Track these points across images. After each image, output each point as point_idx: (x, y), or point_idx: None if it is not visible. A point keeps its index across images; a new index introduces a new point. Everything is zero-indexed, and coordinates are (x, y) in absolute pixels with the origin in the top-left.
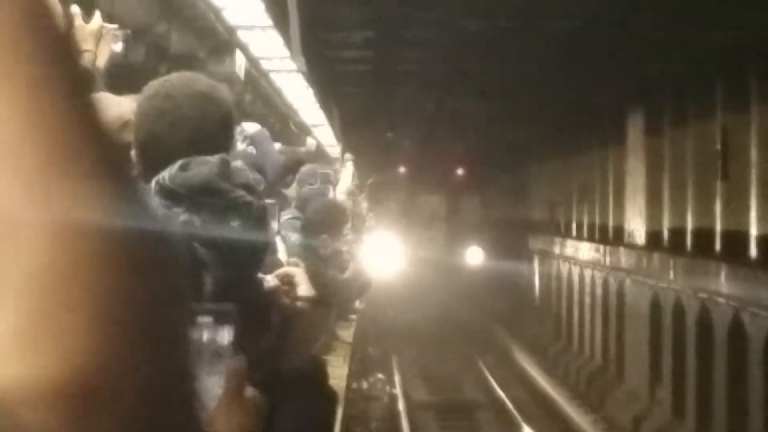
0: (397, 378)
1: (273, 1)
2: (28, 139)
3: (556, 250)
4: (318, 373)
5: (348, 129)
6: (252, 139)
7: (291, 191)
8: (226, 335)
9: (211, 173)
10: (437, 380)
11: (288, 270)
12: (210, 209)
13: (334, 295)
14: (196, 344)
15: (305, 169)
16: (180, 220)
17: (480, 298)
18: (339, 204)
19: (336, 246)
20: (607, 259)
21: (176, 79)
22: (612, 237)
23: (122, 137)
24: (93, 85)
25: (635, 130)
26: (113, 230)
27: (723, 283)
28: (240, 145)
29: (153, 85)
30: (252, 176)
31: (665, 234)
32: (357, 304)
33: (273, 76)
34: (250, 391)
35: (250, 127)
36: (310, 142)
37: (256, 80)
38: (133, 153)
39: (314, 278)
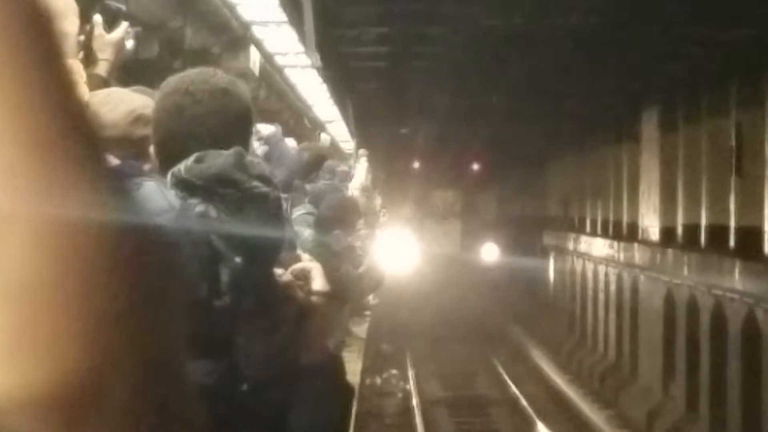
0: (410, 374)
1: None
2: (14, 139)
3: (571, 246)
4: (335, 368)
5: (362, 125)
6: (267, 140)
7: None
8: None
9: (226, 164)
10: (451, 376)
11: (304, 265)
12: (226, 200)
13: (347, 290)
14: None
15: (324, 164)
16: (196, 211)
17: (494, 295)
18: (352, 200)
19: (349, 241)
20: (621, 255)
21: (195, 74)
22: (626, 233)
23: (134, 132)
24: (82, 85)
25: (650, 126)
26: (99, 230)
27: (737, 279)
28: (256, 145)
29: (172, 81)
30: (267, 168)
31: (679, 230)
32: (370, 299)
33: (287, 71)
34: None
35: (265, 129)
36: (324, 139)
37: (271, 76)
38: (151, 148)
39: (327, 274)
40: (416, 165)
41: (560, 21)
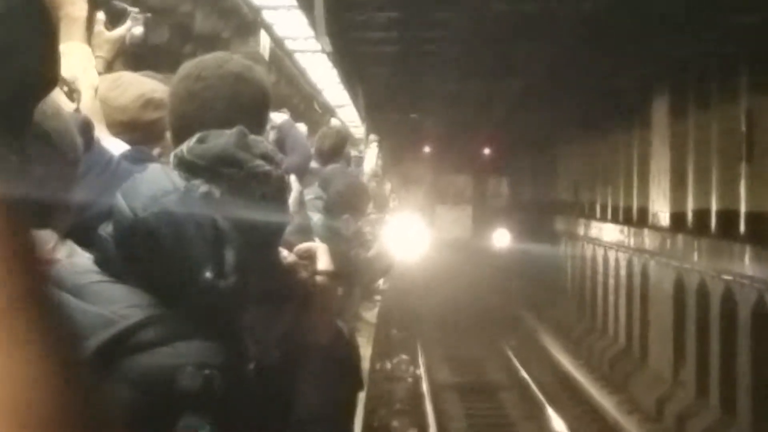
0: (421, 359)
1: None
2: None
3: (582, 231)
4: (348, 352)
5: (372, 109)
6: (280, 129)
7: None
8: None
9: (228, 143)
10: (461, 361)
11: (310, 245)
12: (229, 180)
13: (356, 275)
14: None
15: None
16: (199, 192)
17: (505, 281)
18: (361, 184)
19: (358, 226)
20: (632, 240)
21: (209, 59)
22: (636, 218)
23: (144, 115)
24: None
25: (660, 111)
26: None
27: (747, 264)
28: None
29: (186, 66)
30: (270, 147)
31: (689, 215)
32: (380, 284)
33: (297, 56)
34: None
35: (278, 117)
36: (334, 123)
37: (281, 60)
38: (167, 132)
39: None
40: (427, 150)
41: (571, 5)
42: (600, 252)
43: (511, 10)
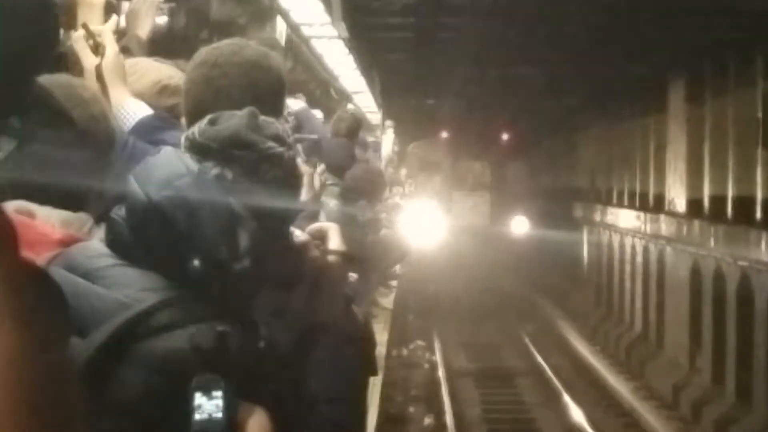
0: (437, 345)
1: None
2: None
3: (599, 218)
4: (361, 334)
5: (389, 96)
6: (297, 116)
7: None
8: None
9: (240, 125)
10: (477, 348)
11: (321, 225)
12: (241, 162)
13: (372, 261)
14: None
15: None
16: (212, 174)
17: (523, 269)
18: (377, 170)
19: (374, 212)
20: (648, 226)
21: (225, 46)
22: (653, 205)
23: (160, 101)
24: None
25: (676, 97)
26: None
27: (763, 251)
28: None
29: (202, 53)
30: (282, 128)
31: (706, 202)
32: (396, 270)
33: (314, 42)
34: None
35: (295, 104)
36: (350, 107)
37: (297, 46)
38: (182, 119)
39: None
40: (444, 136)
41: None
42: (617, 238)
43: None
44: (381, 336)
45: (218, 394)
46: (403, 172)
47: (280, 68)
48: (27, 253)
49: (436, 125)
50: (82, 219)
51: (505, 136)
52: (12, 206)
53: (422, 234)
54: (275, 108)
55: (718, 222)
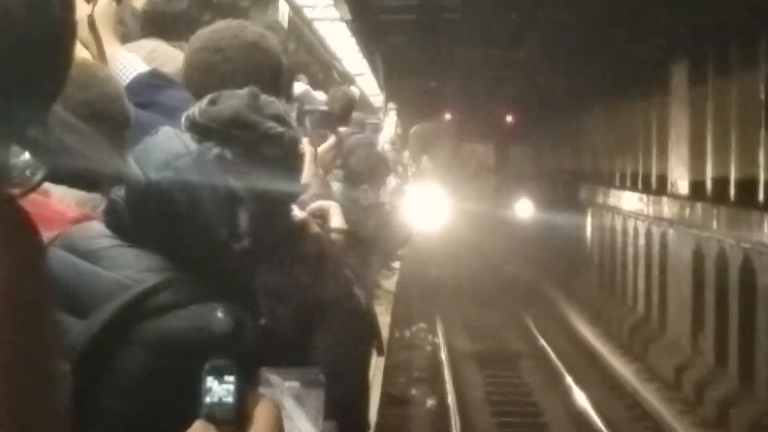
0: (439, 328)
1: None
2: None
3: (602, 200)
4: (364, 313)
5: (391, 78)
6: (299, 100)
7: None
8: (314, 401)
9: (241, 105)
10: (480, 330)
11: (322, 203)
12: (241, 142)
13: (375, 245)
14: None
15: (353, 117)
16: (212, 154)
17: (527, 252)
18: (382, 155)
19: (378, 196)
20: (650, 208)
21: (224, 29)
22: (655, 187)
23: None
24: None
25: (679, 79)
26: None
27: (766, 233)
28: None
29: (201, 36)
30: (283, 107)
31: (708, 184)
32: (399, 254)
33: (316, 24)
34: None
35: (297, 87)
36: (354, 91)
37: (300, 29)
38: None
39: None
40: (447, 118)
41: None
42: (619, 221)
43: None
44: (384, 318)
45: (230, 378)
46: (406, 154)
47: (278, 48)
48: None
49: (439, 107)
50: (96, 199)
51: (509, 119)
52: None
53: (425, 217)
54: (276, 88)
55: (720, 204)
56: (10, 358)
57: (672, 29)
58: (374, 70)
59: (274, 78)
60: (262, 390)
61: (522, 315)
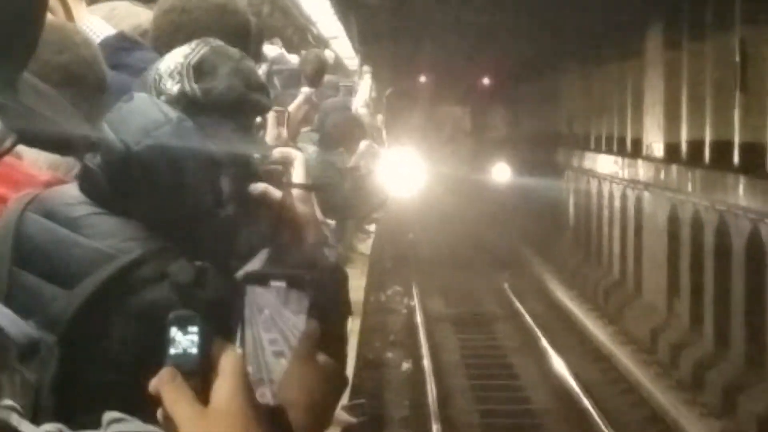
0: (415, 291)
1: None
2: None
3: (577, 163)
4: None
5: (366, 41)
6: (273, 62)
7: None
8: (297, 301)
9: (239, 84)
10: (456, 294)
11: (288, 152)
12: (234, 116)
13: (350, 208)
14: (270, 308)
15: (327, 80)
16: (192, 122)
17: (504, 216)
18: (357, 118)
19: (353, 159)
20: (626, 171)
21: None
22: (630, 150)
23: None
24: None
25: (654, 41)
26: None
27: (741, 195)
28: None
29: None
30: (259, 70)
31: (683, 146)
32: (374, 217)
33: None
34: (322, 358)
35: (271, 50)
36: (328, 55)
37: None
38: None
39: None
40: (423, 80)
41: None
42: (595, 184)
43: None
44: (359, 281)
45: (194, 329)
46: (380, 118)
47: (246, 11)
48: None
49: (414, 70)
50: (69, 163)
51: (485, 82)
52: None
53: (401, 181)
54: (245, 49)
55: (695, 167)
56: None
57: None
58: (349, 33)
59: (242, 39)
60: (250, 287)
61: (498, 278)
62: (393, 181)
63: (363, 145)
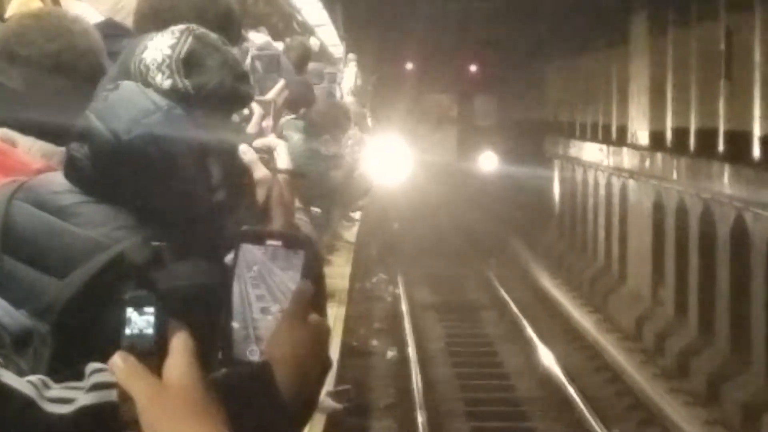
0: (400, 279)
1: None
2: None
3: (563, 151)
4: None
5: (352, 28)
6: (260, 49)
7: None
8: (285, 258)
9: (230, 81)
10: (441, 282)
11: (269, 140)
12: (221, 107)
13: (335, 195)
14: (263, 268)
15: (311, 68)
16: (181, 110)
17: (490, 204)
18: (342, 105)
19: (338, 147)
20: (611, 159)
21: None
22: (615, 137)
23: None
24: None
25: (639, 29)
26: None
27: (726, 183)
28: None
29: None
30: (241, 59)
31: (669, 134)
32: (360, 205)
33: None
34: (314, 318)
35: (258, 38)
36: (314, 43)
37: None
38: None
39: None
40: (409, 68)
41: None
42: (580, 171)
43: None
44: (344, 269)
45: (150, 310)
46: (367, 105)
47: None
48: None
49: (400, 57)
50: (63, 152)
51: (471, 69)
52: None
53: (387, 169)
54: (227, 35)
55: (680, 155)
56: None
57: None
58: (334, 20)
59: (223, 26)
60: (248, 250)
61: (483, 267)
62: (379, 169)
63: (351, 132)
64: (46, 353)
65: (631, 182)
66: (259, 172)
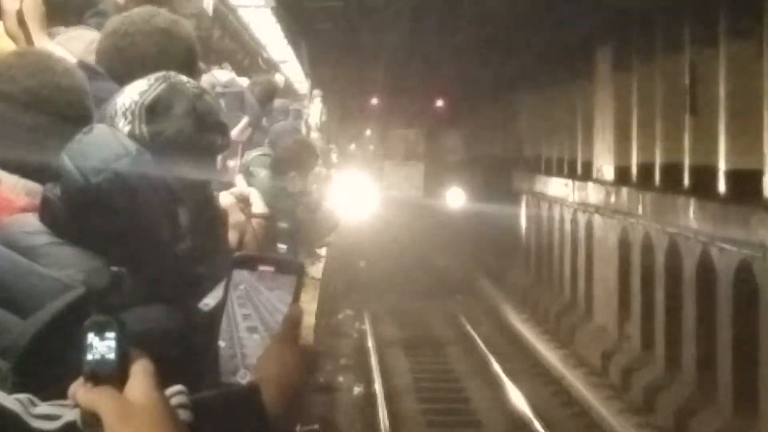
0: (366, 316)
1: None
2: None
3: (528, 187)
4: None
5: (317, 64)
6: (225, 87)
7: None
8: (272, 278)
9: (187, 125)
10: (408, 318)
11: (243, 189)
12: (184, 156)
13: (301, 232)
14: (256, 293)
15: (277, 104)
16: (150, 156)
17: (457, 241)
18: (309, 142)
19: (305, 184)
20: (576, 194)
21: (136, 15)
22: (581, 172)
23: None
24: None
25: (604, 64)
26: None
27: (692, 218)
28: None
29: (113, 21)
30: (216, 106)
31: (634, 169)
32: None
33: (241, 11)
34: (303, 341)
35: (222, 75)
36: (279, 79)
37: (225, 16)
38: None
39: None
40: (374, 103)
41: None
42: (545, 207)
43: None
44: (310, 305)
45: (111, 335)
46: (332, 142)
47: (191, 36)
48: None
49: (366, 93)
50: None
51: (438, 104)
52: None
53: (353, 205)
54: (190, 75)
55: (646, 189)
56: None
57: (597, 13)
58: (299, 56)
59: (185, 65)
60: (236, 271)
61: (450, 303)
62: (345, 206)
63: (317, 169)
64: (7, 391)
65: (596, 217)
66: (234, 217)
